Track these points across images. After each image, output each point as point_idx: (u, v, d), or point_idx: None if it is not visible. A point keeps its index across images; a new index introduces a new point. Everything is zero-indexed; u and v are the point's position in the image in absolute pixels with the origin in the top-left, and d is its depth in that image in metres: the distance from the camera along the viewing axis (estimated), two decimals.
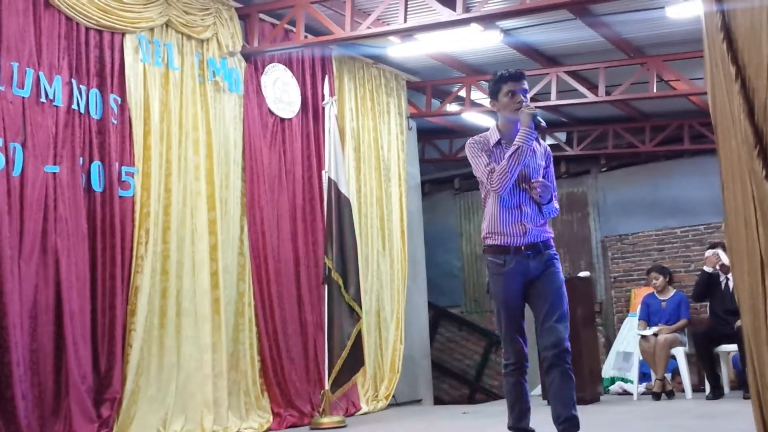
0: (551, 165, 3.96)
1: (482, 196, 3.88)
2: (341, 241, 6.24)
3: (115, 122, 5.52)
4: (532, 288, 3.75)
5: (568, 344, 3.63)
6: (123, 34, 5.63)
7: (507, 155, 3.68)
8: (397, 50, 7.37)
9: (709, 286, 7.15)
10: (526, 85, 3.81)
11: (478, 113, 8.92)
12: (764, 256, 1.28)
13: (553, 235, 3.87)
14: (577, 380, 6.74)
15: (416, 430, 6.10)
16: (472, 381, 11.10)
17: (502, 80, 3.80)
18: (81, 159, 5.26)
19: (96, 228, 5.33)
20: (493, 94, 3.84)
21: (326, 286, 6.24)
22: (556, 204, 3.87)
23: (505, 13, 6.16)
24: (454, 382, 11.21)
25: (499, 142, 3.81)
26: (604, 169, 10.56)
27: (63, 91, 5.18)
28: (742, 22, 1.32)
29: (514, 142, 3.70)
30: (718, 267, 7.08)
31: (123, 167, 5.53)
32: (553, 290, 3.71)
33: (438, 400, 9.47)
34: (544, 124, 3.74)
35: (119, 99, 5.57)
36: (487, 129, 3.97)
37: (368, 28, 6.24)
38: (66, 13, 5.23)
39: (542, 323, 3.68)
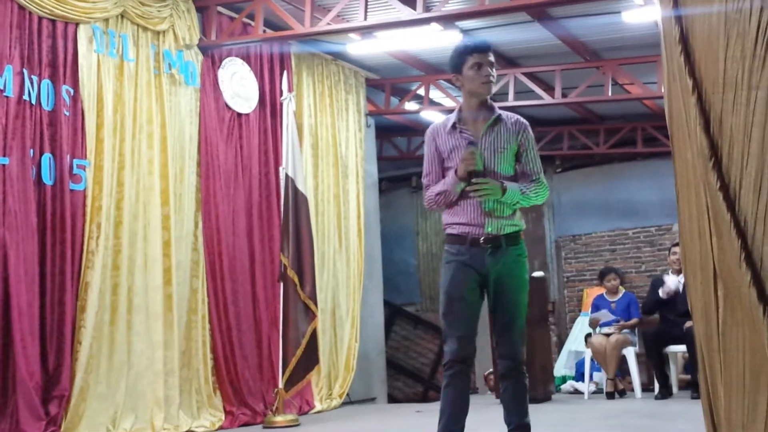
0: (531, 145, 3.47)
1: None
2: (297, 238, 6.21)
3: (68, 114, 5.40)
4: (491, 290, 3.41)
5: (523, 355, 3.45)
6: (77, 24, 5.50)
7: (437, 189, 3.39)
8: (356, 47, 7.35)
9: (656, 295, 7.30)
10: (492, 58, 3.43)
11: (436, 112, 8.95)
12: (717, 267, 1.30)
13: (522, 228, 3.47)
14: (530, 379, 6.89)
15: (370, 429, 6.10)
16: (426, 379, 11.14)
17: (467, 51, 3.42)
18: (31, 151, 5.14)
19: (46, 222, 5.21)
20: (457, 67, 3.44)
21: (282, 284, 6.20)
22: (531, 191, 3.40)
23: (465, 13, 6.19)
24: (408, 380, 11.25)
25: (454, 126, 3.43)
26: (559, 170, 10.69)
27: (14, 81, 5.05)
28: (699, 36, 1.34)
29: (444, 180, 3.38)
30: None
31: (75, 160, 5.41)
32: (515, 301, 3.41)
33: (392, 398, 9.49)
34: (473, 183, 3.30)
35: (72, 90, 5.45)
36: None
37: (328, 24, 6.21)
38: (18, 1, 5.10)
39: (500, 334, 3.44)
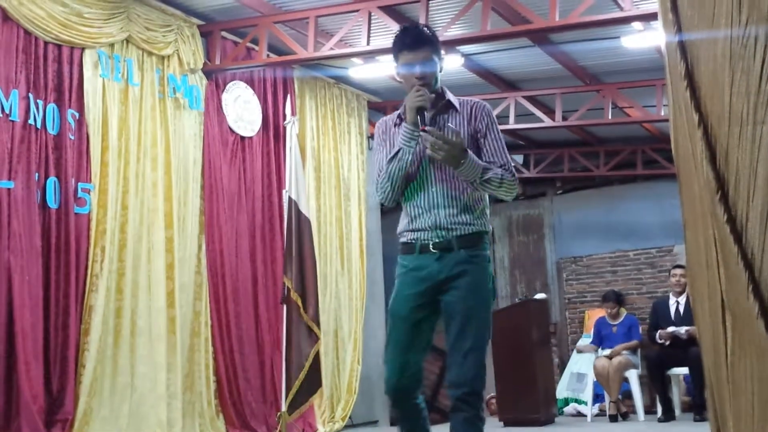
0: (491, 131, 2.95)
1: None
2: (301, 260, 6.22)
3: (73, 138, 5.45)
4: (442, 299, 2.87)
5: (477, 385, 2.76)
6: (82, 49, 5.56)
7: (387, 160, 2.92)
8: (358, 71, 7.41)
9: (657, 317, 7.30)
10: (430, 52, 2.91)
11: None
12: (725, 297, 1.32)
13: (483, 230, 2.93)
14: (533, 402, 6.92)
15: None
16: (428, 401, 11.08)
17: (398, 47, 2.93)
18: (36, 175, 5.17)
19: (50, 245, 5.24)
20: (396, 64, 3.03)
21: (285, 306, 6.20)
22: (497, 176, 2.84)
23: (467, 39, 6.25)
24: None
25: (400, 121, 2.99)
26: (559, 192, 10.72)
27: (20, 106, 5.10)
28: (704, 72, 1.38)
29: (397, 142, 2.91)
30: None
31: (79, 183, 5.45)
32: (466, 308, 2.81)
33: (394, 421, 9.44)
34: (426, 126, 2.82)
35: (77, 114, 5.50)
36: None
37: (331, 49, 6.27)
38: (25, 27, 5.16)
39: (450, 352, 2.82)
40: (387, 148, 2.98)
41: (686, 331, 6.88)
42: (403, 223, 2.99)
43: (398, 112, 3.02)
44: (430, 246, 2.87)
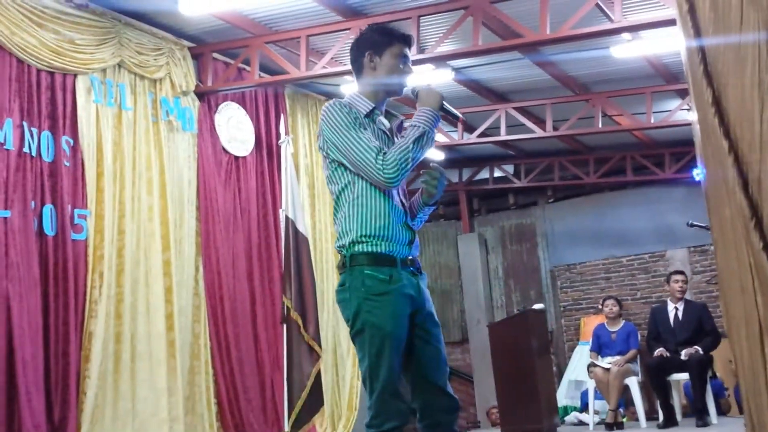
0: None
1: (341, 184, 2.70)
2: (300, 279, 6.20)
3: (68, 164, 5.43)
4: (420, 325, 2.71)
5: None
6: (75, 76, 5.55)
7: (410, 139, 2.65)
8: (350, 87, 7.41)
9: (657, 323, 7.34)
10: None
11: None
12: (763, 323, 1.33)
13: None
14: (535, 412, 6.91)
15: None
16: None
17: (397, 37, 2.82)
18: (33, 203, 5.15)
19: (48, 273, 5.21)
20: (378, 47, 2.79)
21: (285, 326, 6.18)
22: None
23: (459, 54, 6.28)
24: (411, 417, 11.16)
25: (372, 114, 2.78)
26: (551, 201, 10.76)
27: (14, 134, 5.08)
28: (732, 99, 1.39)
29: (414, 123, 2.70)
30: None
31: (75, 210, 5.43)
32: (440, 336, 2.78)
33: None
34: (461, 115, 2.92)
35: (71, 141, 5.48)
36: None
37: (324, 67, 6.28)
38: (17, 55, 5.14)
39: (435, 379, 2.72)
40: (370, 133, 2.70)
41: (685, 352, 6.95)
42: (371, 226, 2.64)
43: (365, 104, 2.77)
44: (409, 261, 2.69)
